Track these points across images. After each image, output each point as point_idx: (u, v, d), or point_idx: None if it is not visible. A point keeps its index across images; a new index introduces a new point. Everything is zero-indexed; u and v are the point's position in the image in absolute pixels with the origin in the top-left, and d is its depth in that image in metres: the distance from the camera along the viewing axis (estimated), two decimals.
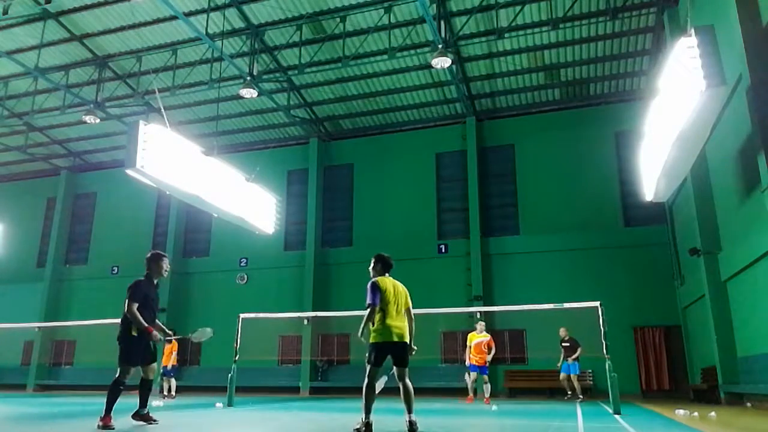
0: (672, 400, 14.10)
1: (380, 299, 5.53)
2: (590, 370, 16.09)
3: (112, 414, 5.59)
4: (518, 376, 16.70)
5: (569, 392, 13.86)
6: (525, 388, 16.34)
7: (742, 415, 8.65)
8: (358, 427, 5.11)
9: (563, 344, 13.80)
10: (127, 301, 5.81)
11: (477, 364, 12.37)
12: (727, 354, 11.64)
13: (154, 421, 5.98)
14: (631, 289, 16.42)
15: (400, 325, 5.50)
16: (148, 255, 6.25)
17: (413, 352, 5.56)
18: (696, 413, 8.16)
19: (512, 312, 13.73)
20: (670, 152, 8.28)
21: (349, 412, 9.26)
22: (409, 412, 5.35)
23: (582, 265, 16.95)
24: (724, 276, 11.81)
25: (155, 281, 6.16)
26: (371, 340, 5.42)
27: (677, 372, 15.84)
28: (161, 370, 15.41)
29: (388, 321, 5.46)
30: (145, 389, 6.12)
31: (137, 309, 5.79)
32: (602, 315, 9.37)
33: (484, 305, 16.90)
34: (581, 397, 13.52)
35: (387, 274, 5.86)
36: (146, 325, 5.77)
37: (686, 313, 15.51)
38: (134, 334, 5.81)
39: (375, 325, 5.48)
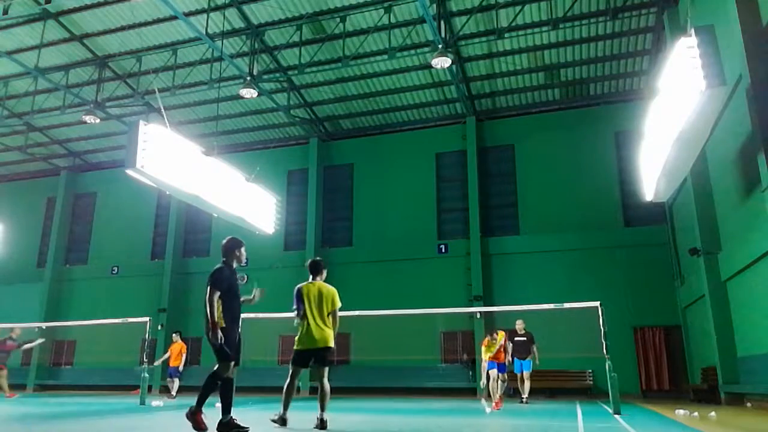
0: (672, 400, 14.10)
1: (302, 306, 5.78)
2: (590, 370, 16.10)
3: (203, 409, 5.08)
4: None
5: (524, 396, 12.29)
6: None
7: (742, 415, 8.65)
8: (274, 418, 5.62)
9: (517, 339, 12.29)
10: (209, 288, 5.10)
11: (500, 361, 11.05)
12: (727, 354, 11.63)
13: (243, 428, 5.19)
14: (631, 289, 16.42)
15: (322, 331, 5.71)
16: (227, 242, 5.56)
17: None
18: (696, 413, 8.17)
19: (512, 312, 13.72)
20: (670, 152, 8.28)
21: (349, 412, 9.25)
22: (322, 410, 5.60)
23: (582, 265, 16.94)
24: (724, 276, 11.80)
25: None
26: (294, 347, 5.77)
27: (677, 372, 15.84)
28: (168, 371, 15.37)
29: (310, 328, 5.71)
30: (228, 390, 5.26)
31: (221, 299, 5.15)
32: (602, 315, 9.38)
33: (484, 305, 16.90)
34: (525, 398, 12.17)
35: (317, 278, 6.07)
36: (216, 320, 5.05)
37: (686, 313, 15.51)
38: (223, 324, 5.14)
39: (299, 332, 5.76)
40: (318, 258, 6.32)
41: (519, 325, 12.59)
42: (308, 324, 5.72)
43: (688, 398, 14.31)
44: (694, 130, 7.44)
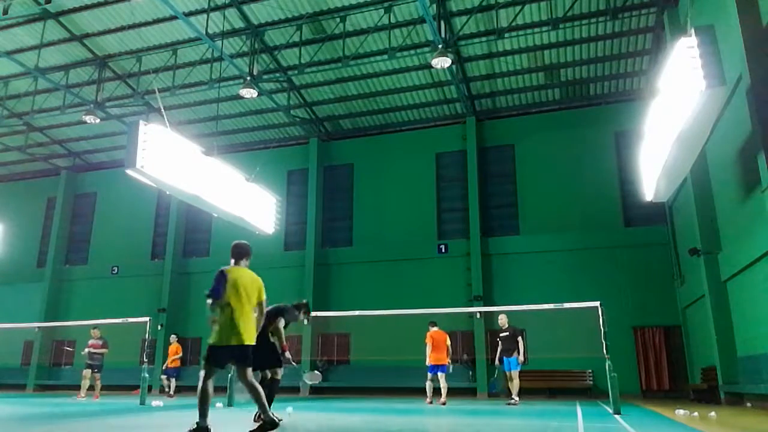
0: (672, 400, 14.10)
1: (225, 291, 4.97)
2: (590, 370, 16.10)
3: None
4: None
5: (513, 396, 11.47)
6: (525, 388, 16.26)
7: (742, 415, 8.64)
8: (193, 428, 4.67)
9: (501, 335, 11.68)
10: (281, 320, 6.68)
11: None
12: (727, 354, 11.64)
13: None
14: (631, 289, 16.42)
15: (246, 324, 4.99)
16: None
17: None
18: (696, 413, 8.17)
19: (512, 312, 13.71)
20: (670, 152, 8.28)
21: (349, 412, 9.26)
22: (263, 411, 5.05)
23: (582, 265, 16.94)
24: (724, 276, 11.80)
25: None
26: (210, 340, 4.93)
27: (677, 372, 15.84)
28: (163, 371, 15.62)
29: (235, 319, 4.92)
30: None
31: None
32: (602, 315, 9.38)
33: (484, 305, 16.90)
34: (516, 399, 11.39)
35: (243, 262, 5.28)
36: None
37: (686, 313, 15.51)
38: (273, 340, 6.72)
39: (218, 323, 4.93)
40: (245, 241, 5.41)
41: (501, 320, 11.96)
42: (233, 314, 4.92)
43: (688, 398, 14.31)
44: (694, 130, 7.43)
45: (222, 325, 4.90)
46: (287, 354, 6.74)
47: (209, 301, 4.95)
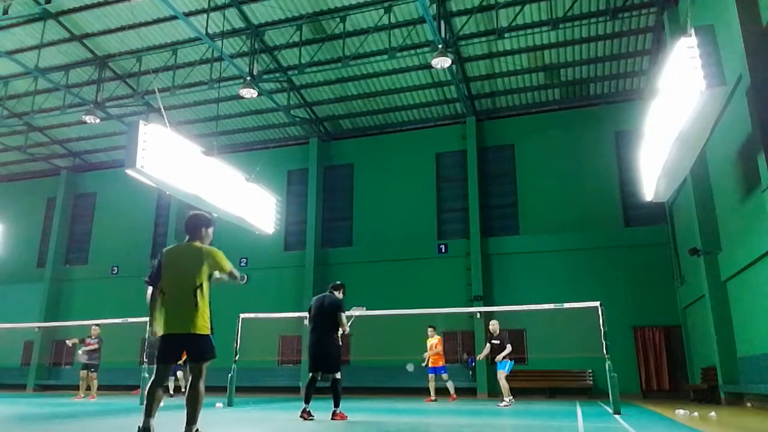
0: (672, 400, 14.10)
1: (163, 275, 4.32)
2: (590, 370, 16.10)
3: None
4: (518, 376, 16.66)
5: (507, 397, 11.14)
6: (525, 388, 16.32)
7: (742, 415, 8.65)
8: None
9: (493, 341, 11.45)
10: (343, 315, 7.22)
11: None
12: (727, 354, 11.64)
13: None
14: (631, 289, 16.42)
15: (182, 309, 4.21)
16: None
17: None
18: (696, 413, 8.17)
19: (512, 312, 13.70)
20: (670, 152, 8.28)
21: (349, 412, 9.25)
22: (189, 423, 4.13)
23: (582, 265, 16.94)
24: (724, 276, 11.81)
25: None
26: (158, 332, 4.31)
27: (677, 372, 15.84)
28: (174, 368, 15.57)
29: (166, 305, 4.27)
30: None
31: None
32: (602, 315, 9.37)
33: (484, 305, 16.90)
34: (507, 400, 10.99)
35: (200, 238, 4.51)
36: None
37: (686, 313, 15.51)
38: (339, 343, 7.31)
39: (162, 311, 4.29)
40: (198, 212, 4.66)
41: (493, 326, 11.56)
42: (165, 298, 4.28)
43: (688, 398, 14.31)
44: (694, 130, 7.44)
45: (165, 312, 4.23)
46: (347, 328, 7.43)
47: (149, 289, 4.33)
